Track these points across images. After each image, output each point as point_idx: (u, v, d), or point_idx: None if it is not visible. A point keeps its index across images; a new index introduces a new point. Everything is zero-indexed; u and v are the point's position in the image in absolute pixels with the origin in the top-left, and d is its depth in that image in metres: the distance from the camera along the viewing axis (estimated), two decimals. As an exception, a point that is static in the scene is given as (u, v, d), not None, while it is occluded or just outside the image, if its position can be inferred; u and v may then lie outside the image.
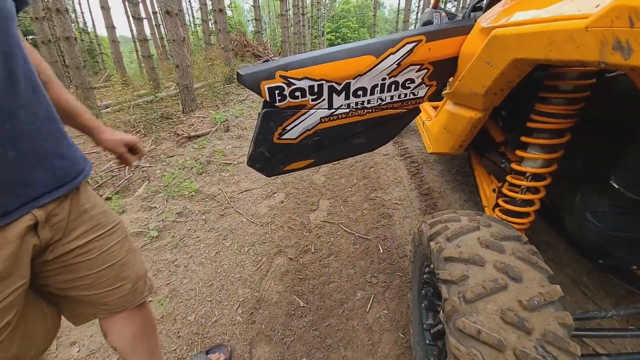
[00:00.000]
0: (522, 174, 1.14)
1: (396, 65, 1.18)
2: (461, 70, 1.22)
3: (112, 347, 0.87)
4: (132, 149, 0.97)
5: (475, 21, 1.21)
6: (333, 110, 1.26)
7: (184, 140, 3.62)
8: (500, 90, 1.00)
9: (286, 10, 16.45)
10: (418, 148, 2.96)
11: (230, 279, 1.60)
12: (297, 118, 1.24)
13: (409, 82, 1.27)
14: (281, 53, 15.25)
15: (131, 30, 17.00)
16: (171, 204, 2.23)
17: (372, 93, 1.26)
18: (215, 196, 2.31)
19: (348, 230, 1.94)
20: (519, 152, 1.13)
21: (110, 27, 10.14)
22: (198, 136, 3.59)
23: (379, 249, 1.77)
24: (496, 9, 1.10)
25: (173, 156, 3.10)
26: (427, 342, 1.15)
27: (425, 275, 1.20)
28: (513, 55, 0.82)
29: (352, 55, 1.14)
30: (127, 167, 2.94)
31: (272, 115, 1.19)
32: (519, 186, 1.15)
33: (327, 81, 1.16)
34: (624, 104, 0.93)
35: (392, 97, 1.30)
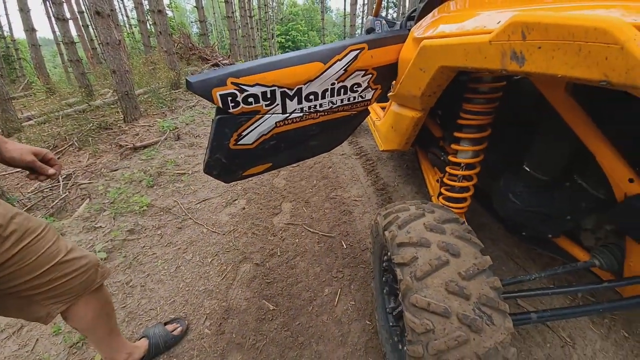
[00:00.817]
0: (458, 164, 1.30)
1: (343, 71, 1.27)
2: (401, 75, 1.35)
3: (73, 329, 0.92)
4: (43, 161, 0.88)
5: (409, 31, 1.36)
6: (287, 115, 1.31)
7: (128, 152, 3.34)
8: (433, 92, 1.14)
9: (232, 12, 16.03)
10: (372, 146, 3.14)
11: (194, 292, 1.54)
12: (252, 123, 1.26)
13: (356, 86, 1.37)
14: (230, 56, 14.81)
15: (54, 32, 15.04)
16: (120, 222, 2.06)
17: (323, 97, 1.33)
18: (170, 209, 2.19)
19: (312, 230, 1.99)
20: (453, 146, 1.30)
21: (30, 30, 8.90)
22: (145, 146, 3.34)
23: (343, 245, 1.85)
24: (425, 21, 1.24)
25: (117, 170, 2.85)
26: (390, 324, 1.25)
27: (384, 264, 1.31)
28: (439, 63, 0.95)
29: (301, 62, 1.20)
30: (61, 186, 2.62)
31: (226, 121, 1.20)
32: (456, 175, 1.32)
33: (279, 87, 1.20)
34: (528, 100, 1.13)
35: (342, 101, 1.39)
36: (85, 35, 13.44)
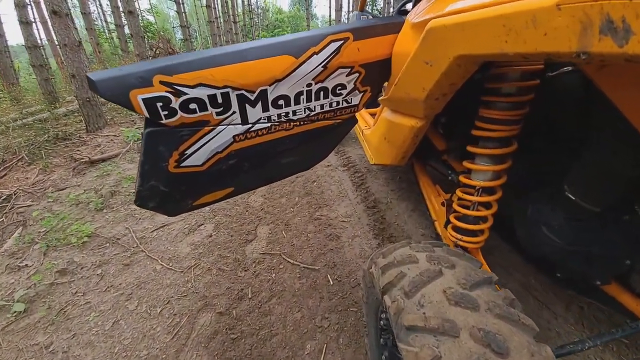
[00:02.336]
0: (472, 187, 1.01)
1: (322, 68, 0.96)
2: (396, 73, 1.06)
3: None
4: None
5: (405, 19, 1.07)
6: (249, 126, 0.98)
7: (83, 166, 2.91)
8: (443, 94, 0.85)
9: (215, 18, 15.69)
10: (360, 156, 2.85)
11: (134, 359, 1.17)
12: (200, 138, 0.92)
13: (339, 88, 1.06)
14: (214, 62, 14.36)
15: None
16: (51, 258, 1.66)
17: (297, 102, 1.01)
18: (118, 239, 1.80)
19: (292, 261, 1.65)
20: (466, 164, 1.00)
21: (-2, 36, 8.28)
22: (103, 160, 2.93)
23: (329, 280, 1.52)
24: (424, 2, 0.95)
25: (64, 189, 2.43)
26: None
27: (382, 321, 0.99)
28: (457, 52, 0.65)
29: (264, 55, 0.88)
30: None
31: (159, 136, 0.86)
32: (469, 201, 1.02)
33: (234, 88, 0.87)
34: (571, 104, 0.85)
35: (322, 107, 1.08)
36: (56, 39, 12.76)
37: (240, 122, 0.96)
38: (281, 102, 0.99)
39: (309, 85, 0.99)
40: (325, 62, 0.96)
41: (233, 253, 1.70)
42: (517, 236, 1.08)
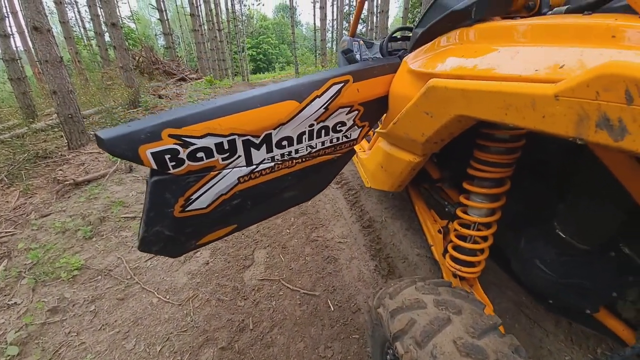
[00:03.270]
0: (468, 221, 1.06)
1: (324, 110, 1.00)
2: (394, 110, 1.10)
3: None
4: None
5: (400, 59, 1.13)
6: (253, 167, 1.00)
7: (68, 188, 2.81)
8: (441, 140, 0.89)
9: (200, 26, 15.56)
10: (354, 173, 2.90)
11: (136, 402, 1.14)
12: (206, 183, 0.93)
13: (340, 125, 1.10)
14: (198, 70, 14.22)
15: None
16: (41, 295, 1.59)
17: (299, 142, 1.04)
18: (111, 270, 1.75)
19: (291, 287, 1.66)
20: (463, 200, 1.06)
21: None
22: (89, 181, 2.83)
23: (329, 306, 1.54)
24: (424, 50, 1.00)
25: (49, 215, 2.33)
26: None
27: (389, 356, 1.02)
28: (457, 111, 0.70)
29: (269, 102, 0.91)
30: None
31: (166, 184, 0.86)
32: (466, 235, 1.08)
33: (240, 135, 0.89)
34: (559, 149, 0.91)
35: (323, 143, 1.12)
36: (33, 50, 12.28)
37: (245, 164, 0.98)
38: (284, 142, 1.01)
39: (311, 125, 1.02)
40: (327, 103, 0.99)
41: (231, 281, 1.69)
42: (512, 266, 1.13)
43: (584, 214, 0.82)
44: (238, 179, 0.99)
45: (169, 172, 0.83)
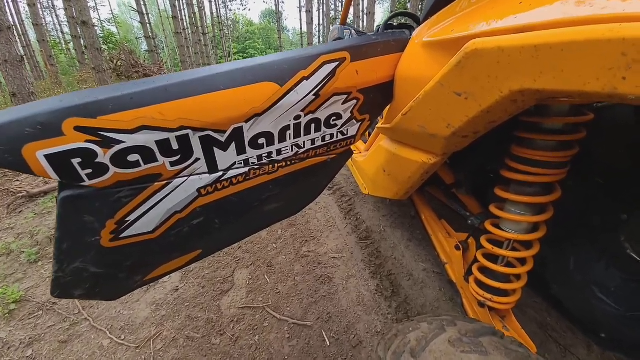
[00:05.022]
0: (501, 240, 0.83)
1: (313, 97, 0.75)
2: (402, 99, 0.87)
3: None
4: None
5: (408, 34, 0.89)
6: (220, 174, 0.74)
7: (21, 202, 2.44)
8: (474, 132, 0.66)
9: (183, 29, 15.17)
10: (346, 177, 2.65)
11: None
12: (148, 198, 0.66)
13: (334, 118, 0.85)
14: (182, 74, 13.76)
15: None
16: (-40, 341, 1.25)
17: (282, 139, 0.79)
18: (55, 304, 1.42)
19: (278, 316, 1.38)
20: (493, 210, 0.82)
21: None
22: (45, 192, 2.47)
23: (325, 340, 1.27)
24: (441, 18, 0.77)
25: (-9, 234, 1.98)
26: None
27: None
28: (519, 84, 0.46)
29: (238, 83, 0.65)
30: None
31: (83, 202, 0.59)
32: (498, 256, 0.84)
33: (195, 130, 0.63)
34: (622, 142, 0.69)
35: (313, 142, 0.87)
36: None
37: (207, 170, 0.72)
38: (262, 140, 0.75)
39: (298, 117, 0.77)
40: (317, 88, 0.74)
41: (205, 311, 1.40)
42: (551, 288, 0.91)
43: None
44: (198, 190, 0.73)
45: (84, 184, 0.56)
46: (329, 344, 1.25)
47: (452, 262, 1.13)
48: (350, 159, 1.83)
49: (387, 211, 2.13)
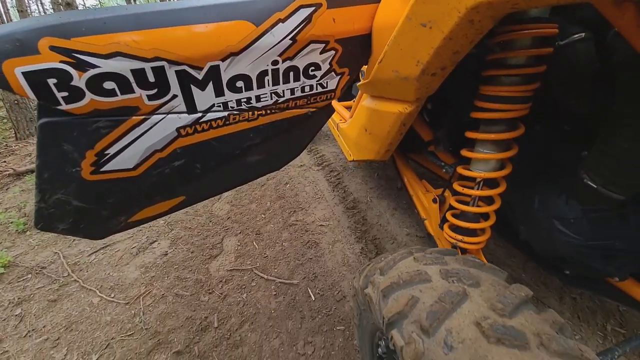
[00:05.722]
0: (472, 179, 0.87)
1: (290, 41, 0.76)
2: (378, 51, 0.89)
3: None
4: None
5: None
6: (199, 115, 0.76)
7: (8, 180, 2.42)
8: (442, 68, 0.69)
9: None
10: (335, 154, 2.68)
11: None
12: (127, 132, 0.68)
13: (312, 68, 0.87)
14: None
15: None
16: (-51, 301, 1.27)
17: (261, 85, 0.80)
18: (44, 268, 1.44)
19: (266, 276, 1.43)
20: (465, 153, 0.86)
21: None
22: (32, 171, 2.46)
23: (310, 296, 1.32)
24: None
25: (-22, 209, 1.97)
26: None
27: (380, 349, 0.81)
28: (472, 1, 0.49)
29: (212, 18, 0.66)
30: None
31: (61, 129, 0.61)
32: (469, 196, 0.89)
33: (170, 62, 0.64)
34: (582, 79, 0.73)
35: (292, 92, 0.88)
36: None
37: (185, 110, 0.73)
38: (240, 84, 0.77)
39: (275, 63, 0.78)
40: (294, 33, 0.76)
41: (194, 273, 1.43)
42: (519, 232, 0.96)
43: (621, 153, 0.64)
44: (178, 130, 0.75)
45: (61, 107, 0.57)
46: (314, 299, 1.31)
47: (430, 217, 1.18)
48: (336, 129, 1.86)
49: (375, 184, 2.17)
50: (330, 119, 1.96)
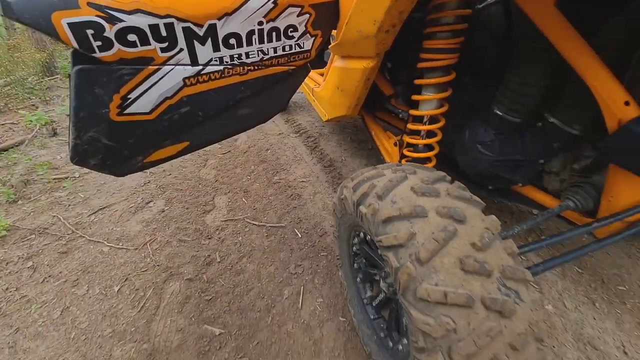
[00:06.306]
0: (420, 119, 1.12)
1: (272, 4, 0.93)
2: (345, 16, 1.08)
3: None
4: None
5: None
6: (200, 68, 0.92)
7: (-24, 159, 2.34)
8: (393, 25, 0.90)
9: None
10: (311, 123, 2.87)
11: (96, 340, 1.07)
12: (145, 79, 0.83)
13: (291, 30, 1.05)
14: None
15: None
16: (-43, 261, 1.35)
17: (249, 43, 0.97)
18: (46, 228, 1.54)
19: (257, 223, 1.64)
20: (414, 97, 1.10)
21: None
22: (4, 149, 2.39)
23: (297, 234, 1.57)
24: None
25: (-47, 186, 1.94)
26: (372, 317, 1.04)
27: (355, 247, 1.07)
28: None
29: (212, -16, 0.82)
30: None
31: (94, 75, 0.75)
32: (419, 132, 1.14)
33: (178, 19, 0.80)
34: (494, 34, 0.98)
35: (275, 50, 1.06)
36: None
37: (189, 62, 0.89)
38: (233, 41, 0.94)
39: (261, 23, 0.95)
40: (275, -4, 0.93)
41: (192, 224, 1.61)
42: (459, 161, 1.25)
43: (518, 84, 0.91)
44: (184, 80, 0.91)
45: (95, 55, 0.72)
46: (300, 236, 1.55)
47: (393, 158, 1.44)
48: (312, 94, 2.04)
49: (348, 146, 2.41)
50: (305, 86, 2.13)
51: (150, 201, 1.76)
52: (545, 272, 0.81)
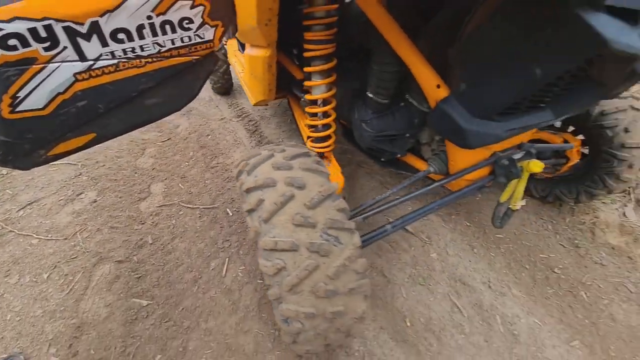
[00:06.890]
0: (315, 102, 1.27)
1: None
2: (239, 6, 1.16)
3: None
4: None
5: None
6: (90, 63, 0.98)
7: None
8: (269, 19, 1.01)
9: None
10: (254, 107, 2.93)
11: (29, 320, 1.16)
12: (31, 78, 0.89)
13: (186, 22, 1.11)
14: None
15: None
16: None
17: (141, 37, 1.03)
18: (-30, 226, 1.54)
19: (191, 206, 1.75)
20: (307, 83, 1.24)
21: None
22: None
23: (228, 213, 1.70)
24: None
25: None
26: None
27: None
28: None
29: (83, -18, 0.87)
30: None
31: None
32: (316, 114, 1.29)
33: (57, 20, 0.85)
34: (358, 26, 1.13)
35: (173, 42, 1.12)
36: None
37: (77, 58, 0.95)
38: (122, 36, 0.99)
39: (150, 17, 1.01)
40: (158, -8, 0.99)
41: (125, 212, 1.68)
42: (355, 137, 1.42)
43: (378, 72, 1.08)
44: (74, 75, 0.96)
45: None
46: (231, 214, 1.69)
47: (306, 138, 1.59)
48: (242, 79, 2.11)
49: (287, 128, 2.53)
50: (237, 73, 2.19)
51: (81, 193, 1.79)
52: (395, 230, 1.02)
